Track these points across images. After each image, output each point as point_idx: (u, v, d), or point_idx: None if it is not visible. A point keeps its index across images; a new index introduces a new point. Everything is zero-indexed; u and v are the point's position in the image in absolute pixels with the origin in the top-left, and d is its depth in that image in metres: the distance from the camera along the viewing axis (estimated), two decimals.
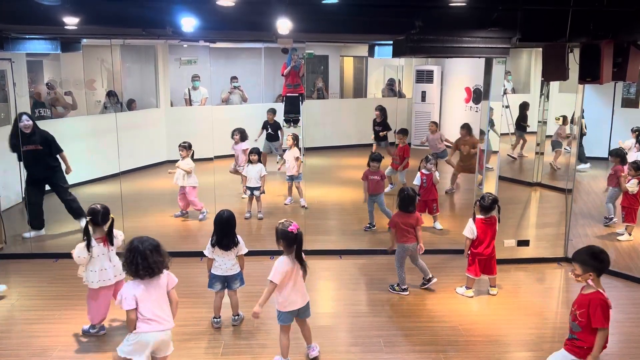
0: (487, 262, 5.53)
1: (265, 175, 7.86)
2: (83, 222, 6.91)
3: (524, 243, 6.68)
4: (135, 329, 3.69)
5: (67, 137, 9.16)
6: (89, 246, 4.58)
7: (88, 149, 9.53)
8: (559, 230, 6.86)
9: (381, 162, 7.36)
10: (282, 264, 4.11)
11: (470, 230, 5.49)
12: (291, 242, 4.10)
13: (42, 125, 8.72)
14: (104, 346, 4.59)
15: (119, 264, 4.60)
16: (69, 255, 4.70)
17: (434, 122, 9.77)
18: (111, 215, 4.68)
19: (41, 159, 6.89)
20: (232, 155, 10.07)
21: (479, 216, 5.51)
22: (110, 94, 10.52)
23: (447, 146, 9.57)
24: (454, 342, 4.69)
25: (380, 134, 9.91)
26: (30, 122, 6.86)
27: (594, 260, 3.59)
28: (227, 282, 4.85)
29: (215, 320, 4.90)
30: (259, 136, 9.73)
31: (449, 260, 6.45)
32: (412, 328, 4.95)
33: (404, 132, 8.91)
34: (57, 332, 4.78)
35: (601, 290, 3.59)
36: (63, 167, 7.18)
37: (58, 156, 7.11)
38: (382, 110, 10.00)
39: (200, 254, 5.51)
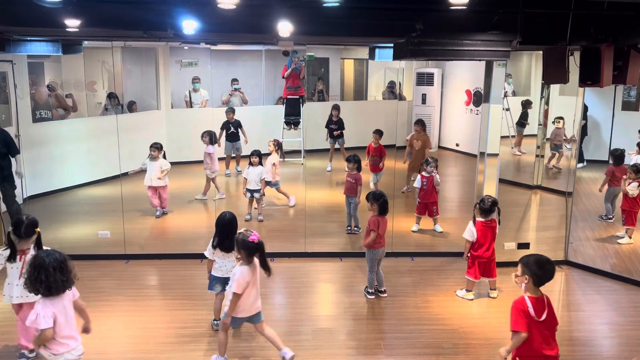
0: (487, 265, 5.53)
1: (265, 177, 7.86)
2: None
3: (524, 246, 6.67)
4: (42, 347, 3.50)
5: (68, 139, 9.20)
6: (13, 256, 4.27)
7: (89, 150, 9.54)
8: (559, 233, 6.86)
9: (358, 163, 7.19)
10: (243, 274, 4.13)
11: (470, 232, 5.50)
12: (252, 252, 4.15)
13: (43, 127, 8.75)
14: (104, 347, 4.59)
15: None
16: (70, 257, 4.67)
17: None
18: (37, 229, 4.37)
19: None
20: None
21: (479, 219, 5.51)
22: (111, 96, 10.52)
23: (446, 149, 9.52)
24: (454, 345, 4.70)
25: (335, 132, 10.27)
26: None
27: (535, 267, 3.57)
28: (227, 283, 4.84)
29: (215, 322, 4.90)
30: (220, 138, 9.62)
31: (448, 263, 6.46)
32: (412, 331, 4.96)
33: (379, 132, 8.64)
34: None
35: (527, 297, 3.56)
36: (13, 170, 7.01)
37: (14, 158, 6.96)
38: (338, 109, 10.43)
39: (200, 256, 5.50)
